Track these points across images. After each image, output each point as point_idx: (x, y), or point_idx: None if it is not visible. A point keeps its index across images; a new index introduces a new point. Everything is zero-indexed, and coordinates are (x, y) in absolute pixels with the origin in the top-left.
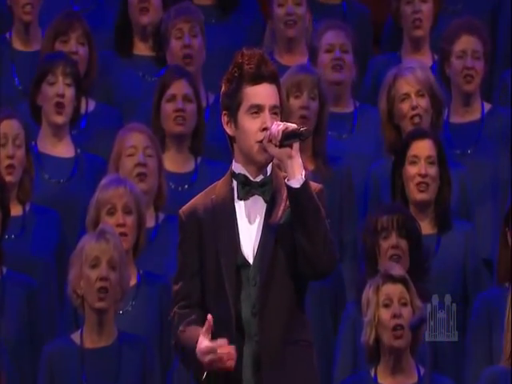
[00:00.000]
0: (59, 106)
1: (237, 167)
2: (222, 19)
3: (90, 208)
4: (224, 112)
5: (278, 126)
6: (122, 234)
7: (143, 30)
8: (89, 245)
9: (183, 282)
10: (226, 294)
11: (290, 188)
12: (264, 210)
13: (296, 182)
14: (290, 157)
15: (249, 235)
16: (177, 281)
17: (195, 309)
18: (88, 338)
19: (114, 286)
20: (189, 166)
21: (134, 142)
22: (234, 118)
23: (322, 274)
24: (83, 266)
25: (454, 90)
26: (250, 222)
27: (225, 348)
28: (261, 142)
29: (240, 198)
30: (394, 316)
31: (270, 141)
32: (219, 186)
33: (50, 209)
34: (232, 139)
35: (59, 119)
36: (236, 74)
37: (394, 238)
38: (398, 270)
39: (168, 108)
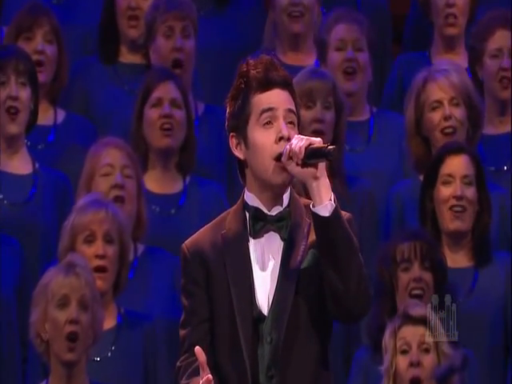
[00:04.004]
0: (12, 112)
1: (249, 197)
2: (217, 12)
3: (63, 234)
4: (231, 134)
5: (299, 142)
6: (101, 269)
7: (132, 42)
8: (55, 281)
9: (190, 329)
10: (241, 352)
11: (316, 216)
12: (281, 251)
13: (324, 209)
14: (316, 178)
15: (263, 282)
16: (184, 328)
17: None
18: None
19: (85, 329)
20: (176, 187)
21: (110, 159)
22: (243, 136)
23: (357, 316)
24: (48, 305)
25: (487, 96)
26: (264, 265)
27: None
28: (277, 159)
29: (253, 236)
30: (411, 365)
31: (290, 158)
32: (230, 218)
33: (10, 236)
34: (243, 164)
35: (13, 128)
36: (242, 86)
37: (416, 270)
38: (418, 310)
39: (152, 114)
